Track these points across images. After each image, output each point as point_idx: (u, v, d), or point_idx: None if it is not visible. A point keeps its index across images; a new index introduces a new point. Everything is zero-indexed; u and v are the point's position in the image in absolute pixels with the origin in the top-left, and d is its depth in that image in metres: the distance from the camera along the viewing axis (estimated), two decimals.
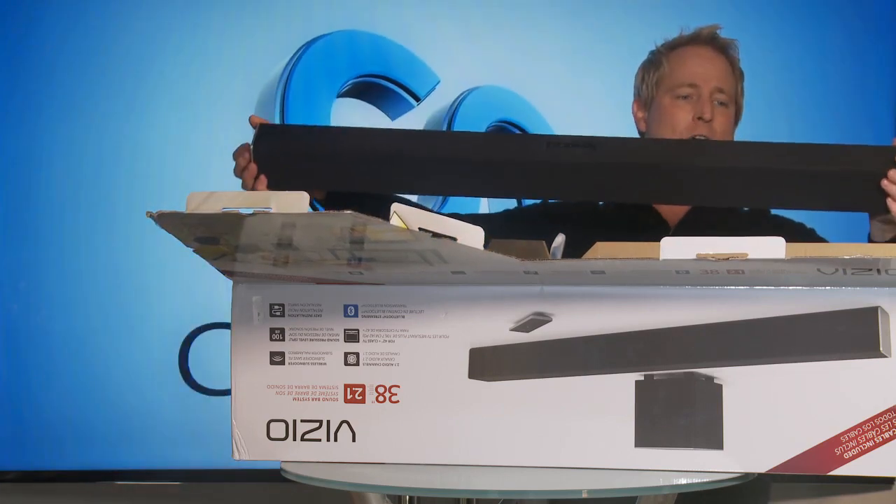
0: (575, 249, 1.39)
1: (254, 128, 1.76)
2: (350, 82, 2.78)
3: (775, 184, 1.69)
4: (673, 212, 1.98)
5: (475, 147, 1.77)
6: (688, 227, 1.92)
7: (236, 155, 1.76)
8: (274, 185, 1.74)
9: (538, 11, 2.80)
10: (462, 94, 2.78)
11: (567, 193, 1.80)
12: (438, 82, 2.79)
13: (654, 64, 2.00)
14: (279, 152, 1.75)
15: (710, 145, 1.86)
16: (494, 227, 1.69)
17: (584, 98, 2.77)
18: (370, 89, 2.78)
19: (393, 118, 2.78)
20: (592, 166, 1.70)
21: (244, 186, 1.76)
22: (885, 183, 1.63)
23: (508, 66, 2.80)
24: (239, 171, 1.76)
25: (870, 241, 1.76)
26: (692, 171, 1.71)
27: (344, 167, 1.76)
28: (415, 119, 2.78)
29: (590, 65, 2.78)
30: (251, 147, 1.74)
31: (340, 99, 2.76)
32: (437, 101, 2.80)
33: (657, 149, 1.78)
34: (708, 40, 1.98)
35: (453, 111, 2.78)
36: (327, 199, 1.84)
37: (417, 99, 2.78)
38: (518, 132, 2.77)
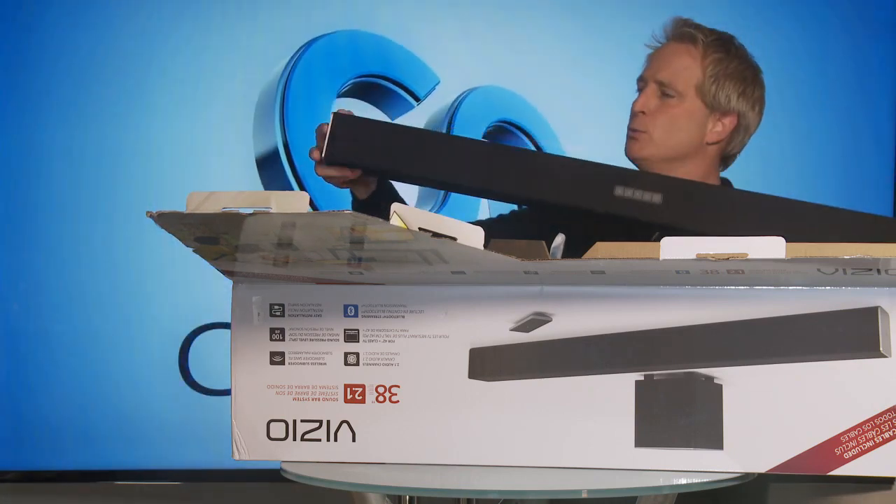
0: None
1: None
2: (350, 82, 2.77)
3: None
4: None
5: (538, 177, 1.78)
6: None
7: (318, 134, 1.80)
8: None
9: (538, 11, 2.79)
10: (462, 94, 2.78)
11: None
12: (438, 82, 2.78)
13: None
14: (350, 152, 1.79)
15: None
16: (497, 230, 1.71)
17: (584, 97, 2.76)
18: (370, 89, 2.78)
19: (393, 118, 2.78)
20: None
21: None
22: None
23: (508, 65, 2.79)
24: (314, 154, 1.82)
25: None
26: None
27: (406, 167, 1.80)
28: (414, 119, 2.77)
29: (589, 64, 2.77)
30: (326, 137, 1.78)
31: (340, 98, 2.76)
32: (437, 101, 2.79)
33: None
34: (672, 34, 1.97)
35: (453, 111, 2.78)
36: (369, 202, 1.89)
37: (417, 99, 2.78)
38: (517, 132, 2.77)
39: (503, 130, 2.78)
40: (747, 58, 1.97)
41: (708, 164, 1.97)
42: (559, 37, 2.79)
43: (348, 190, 2.03)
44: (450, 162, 1.80)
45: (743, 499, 1.74)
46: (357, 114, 1.81)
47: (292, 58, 2.75)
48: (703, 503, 1.54)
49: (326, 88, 2.75)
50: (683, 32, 1.96)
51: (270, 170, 2.76)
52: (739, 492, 1.44)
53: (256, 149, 2.75)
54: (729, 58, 1.94)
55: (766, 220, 1.70)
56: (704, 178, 1.97)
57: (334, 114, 1.78)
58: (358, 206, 1.92)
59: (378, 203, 1.92)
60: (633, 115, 1.96)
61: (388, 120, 2.77)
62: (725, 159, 2.01)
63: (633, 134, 1.96)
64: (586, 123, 2.73)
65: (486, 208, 2.71)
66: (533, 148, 2.75)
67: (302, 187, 2.71)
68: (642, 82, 1.97)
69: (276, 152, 2.75)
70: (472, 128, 2.76)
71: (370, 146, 1.81)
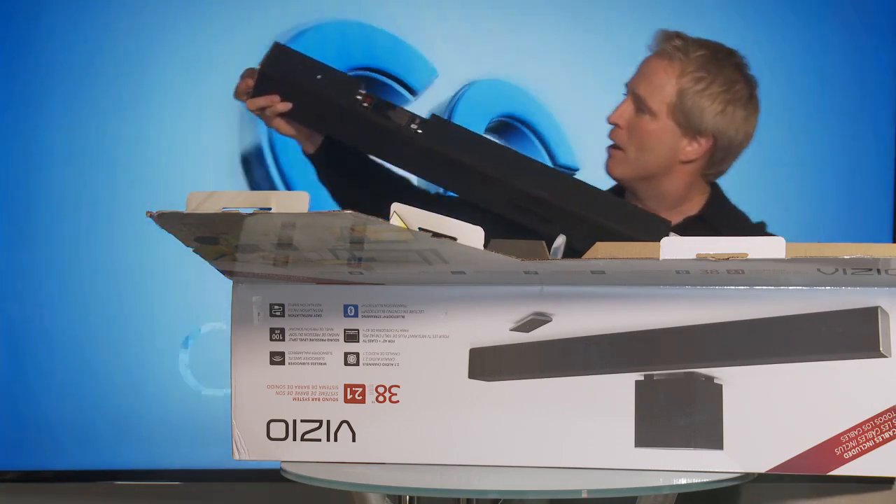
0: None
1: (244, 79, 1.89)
2: None
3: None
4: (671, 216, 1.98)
5: (470, 150, 1.85)
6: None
7: (244, 76, 1.89)
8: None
9: (541, 1, 2.77)
10: (462, 87, 2.74)
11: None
12: (436, 75, 2.75)
13: None
14: (285, 80, 1.85)
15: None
16: None
17: (592, 90, 2.73)
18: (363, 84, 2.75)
19: None
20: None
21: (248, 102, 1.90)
22: None
23: (512, 56, 2.73)
24: (240, 93, 1.90)
25: None
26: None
27: (341, 118, 1.85)
28: None
29: (598, 55, 2.75)
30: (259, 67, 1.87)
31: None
32: (436, 95, 2.75)
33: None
34: (656, 48, 1.94)
35: (452, 106, 2.74)
36: (319, 156, 1.94)
37: (413, 93, 2.75)
38: (522, 128, 2.74)
39: (507, 126, 2.75)
40: (735, 77, 1.92)
41: (686, 179, 1.95)
42: (565, 26, 2.76)
43: (338, 190, 2.04)
44: (362, 132, 1.86)
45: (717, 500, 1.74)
46: None
47: None
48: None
49: None
50: (664, 48, 1.92)
51: (256, 168, 2.74)
52: (737, 492, 1.44)
53: (241, 145, 2.73)
54: (710, 78, 1.89)
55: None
56: (685, 192, 1.96)
57: (275, 42, 1.87)
58: (313, 160, 1.96)
59: (329, 160, 1.93)
60: (610, 126, 1.96)
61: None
62: (712, 174, 1.98)
63: (609, 149, 1.96)
64: (595, 118, 2.69)
65: None
66: (538, 145, 2.73)
67: (288, 187, 2.70)
68: (626, 89, 1.96)
69: (260, 149, 2.74)
70: (472, 123, 2.69)
71: (303, 81, 1.84)
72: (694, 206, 1.98)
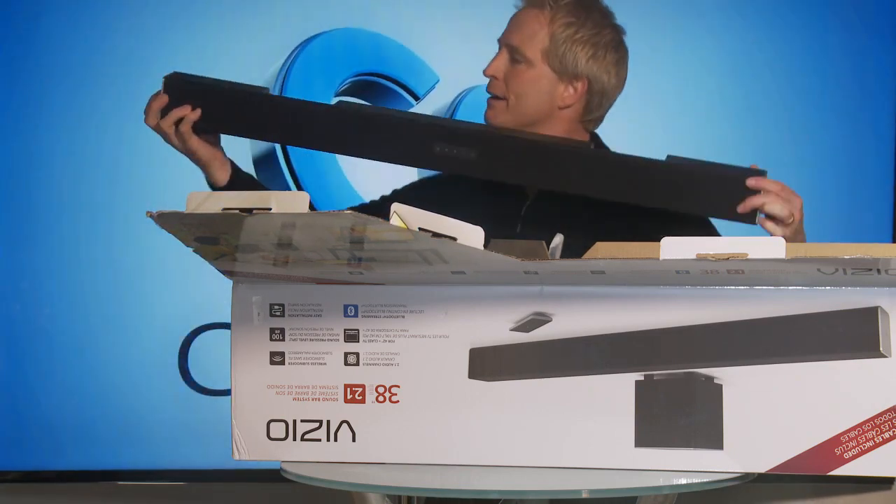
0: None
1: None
2: (348, 81, 2.77)
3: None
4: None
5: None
6: (546, 198, 1.94)
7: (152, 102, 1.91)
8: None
9: None
10: (462, 92, 2.77)
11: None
12: (438, 81, 2.78)
13: None
14: (194, 90, 1.91)
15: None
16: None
17: None
18: (369, 88, 2.77)
19: None
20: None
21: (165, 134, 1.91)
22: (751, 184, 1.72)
23: None
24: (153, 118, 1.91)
25: None
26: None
27: (254, 114, 1.89)
28: None
29: None
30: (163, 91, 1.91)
31: (338, 97, 2.75)
32: (437, 99, 2.78)
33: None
34: (519, 4, 1.98)
35: (453, 110, 2.77)
36: (229, 187, 1.93)
37: (416, 98, 2.77)
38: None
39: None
40: (603, 22, 1.96)
41: (565, 127, 1.97)
42: None
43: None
44: (276, 118, 1.89)
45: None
46: None
47: (289, 57, 2.75)
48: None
49: (324, 87, 2.75)
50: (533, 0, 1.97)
51: (267, 170, 2.75)
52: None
53: (253, 149, 2.74)
54: (579, 22, 1.93)
55: (583, 167, 1.82)
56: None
57: (173, 71, 1.93)
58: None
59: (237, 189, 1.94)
60: (488, 79, 1.98)
61: None
62: (590, 121, 2.01)
63: (489, 101, 1.98)
64: None
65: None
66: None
67: (300, 187, 2.70)
68: (499, 45, 1.98)
69: (273, 152, 2.75)
70: None
71: (211, 86, 1.92)
72: None
